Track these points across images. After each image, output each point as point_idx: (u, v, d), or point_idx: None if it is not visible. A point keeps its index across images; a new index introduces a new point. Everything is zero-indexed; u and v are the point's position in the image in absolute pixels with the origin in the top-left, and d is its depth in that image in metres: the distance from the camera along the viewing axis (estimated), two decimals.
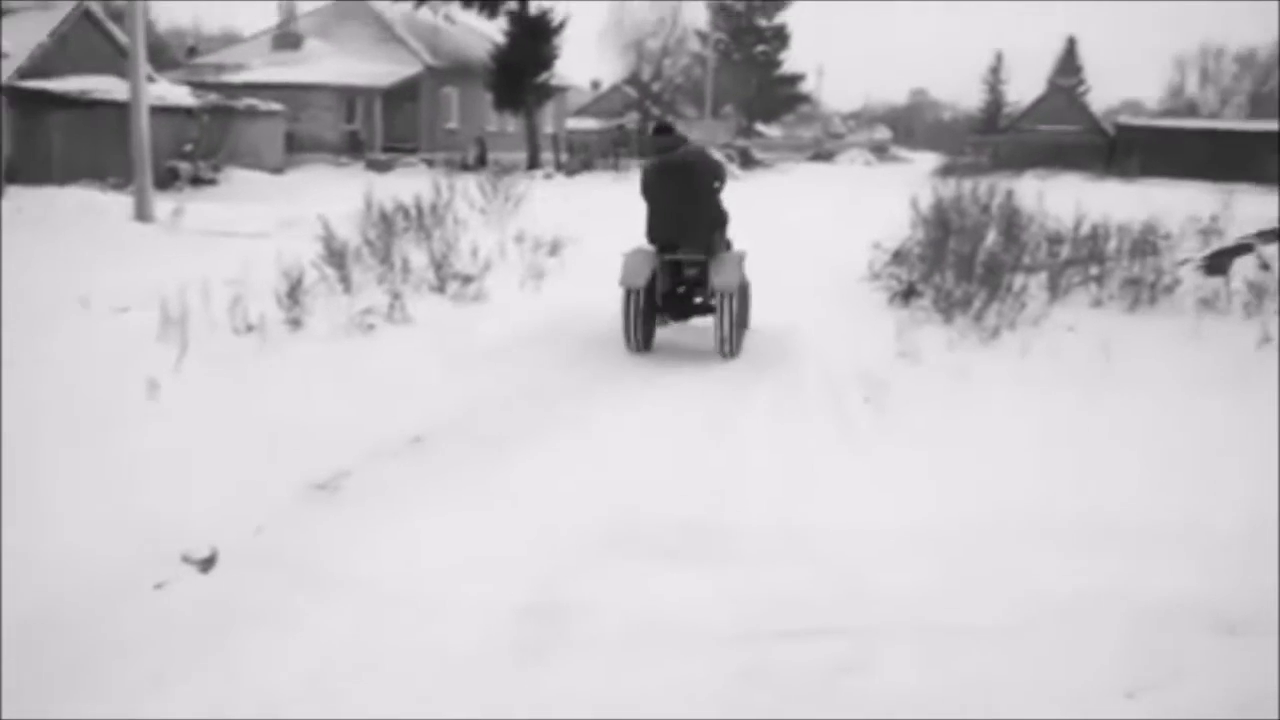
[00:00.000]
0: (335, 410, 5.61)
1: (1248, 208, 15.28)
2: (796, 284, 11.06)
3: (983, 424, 5.72)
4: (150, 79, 20.36)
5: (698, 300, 7.83)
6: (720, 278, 7.34)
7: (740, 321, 7.55)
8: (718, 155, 8.87)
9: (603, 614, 3.51)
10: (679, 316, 7.93)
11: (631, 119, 54.03)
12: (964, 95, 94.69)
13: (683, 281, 7.77)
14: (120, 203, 15.52)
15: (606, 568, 3.86)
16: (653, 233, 7.70)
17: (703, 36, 55.10)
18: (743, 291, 7.60)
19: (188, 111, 23.11)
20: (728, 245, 7.86)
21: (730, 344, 7.41)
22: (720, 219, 7.77)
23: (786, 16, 67.09)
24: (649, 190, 7.74)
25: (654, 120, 9.35)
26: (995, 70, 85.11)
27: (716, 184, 7.76)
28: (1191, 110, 72.18)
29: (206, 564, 3.82)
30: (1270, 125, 51.06)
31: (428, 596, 3.60)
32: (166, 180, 20.92)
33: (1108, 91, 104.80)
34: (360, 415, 5.57)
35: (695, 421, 5.79)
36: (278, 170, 26.41)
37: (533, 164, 36.66)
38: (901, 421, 5.81)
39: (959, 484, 4.77)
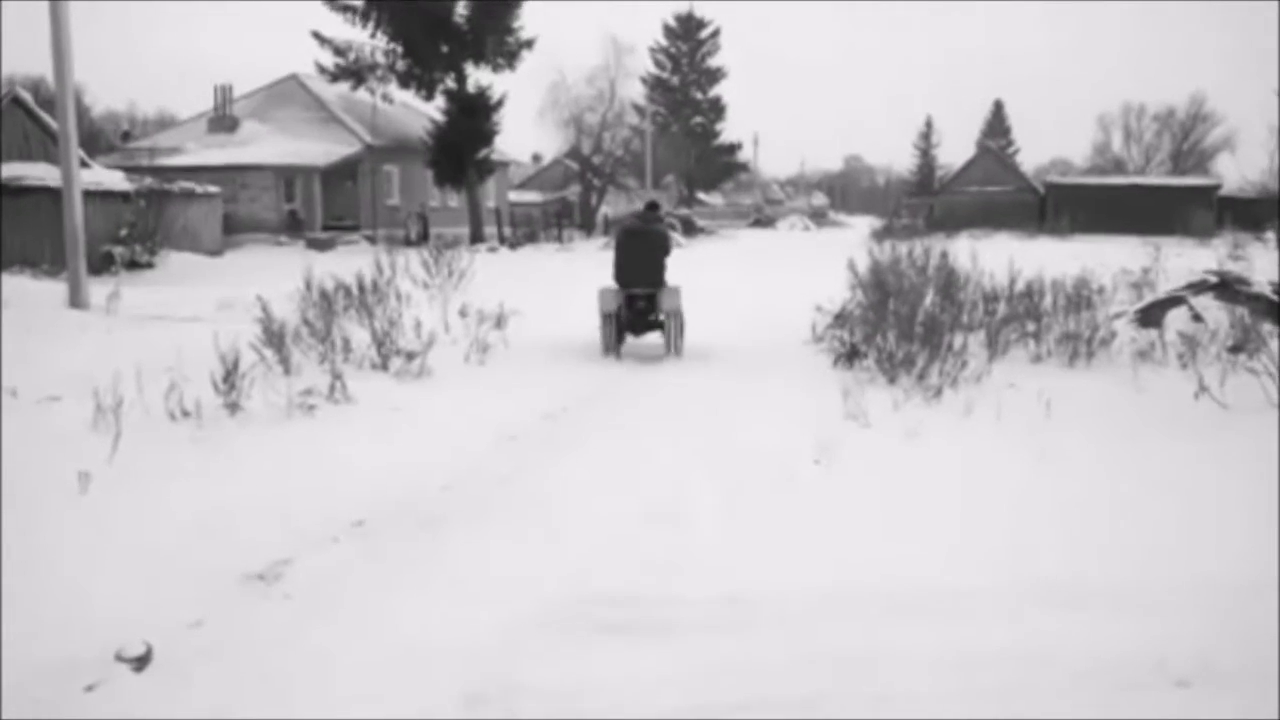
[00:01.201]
0: (275, 495, 5.46)
1: (1176, 260, 15.73)
2: (744, 347, 11.15)
3: (932, 485, 5.72)
4: (84, 164, 20.17)
5: (650, 318, 10.96)
6: (668, 303, 10.83)
7: (680, 331, 10.92)
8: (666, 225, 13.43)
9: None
10: (637, 333, 11.04)
11: (573, 191, 54.54)
12: (897, 159, 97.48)
13: (634, 309, 10.80)
14: (53, 290, 15.22)
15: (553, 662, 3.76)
16: (619, 272, 10.94)
17: (640, 110, 55.98)
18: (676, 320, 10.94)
19: (123, 196, 22.88)
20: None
21: (674, 347, 10.87)
22: (664, 267, 11.03)
23: (721, 89, 68.79)
24: (620, 243, 11.23)
25: (647, 200, 13.55)
26: (926, 134, 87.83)
27: (666, 246, 11.21)
28: (1118, 167, 74.69)
29: (141, 662, 3.65)
30: (1193, 180, 53.00)
31: (370, 689, 3.47)
32: (101, 265, 20.61)
33: (1037, 151, 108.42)
34: (301, 499, 5.42)
35: (635, 502, 5.71)
36: (216, 252, 26.17)
37: (476, 238, 36.74)
38: (853, 483, 5.79)
39: (910, 544, 4.74)
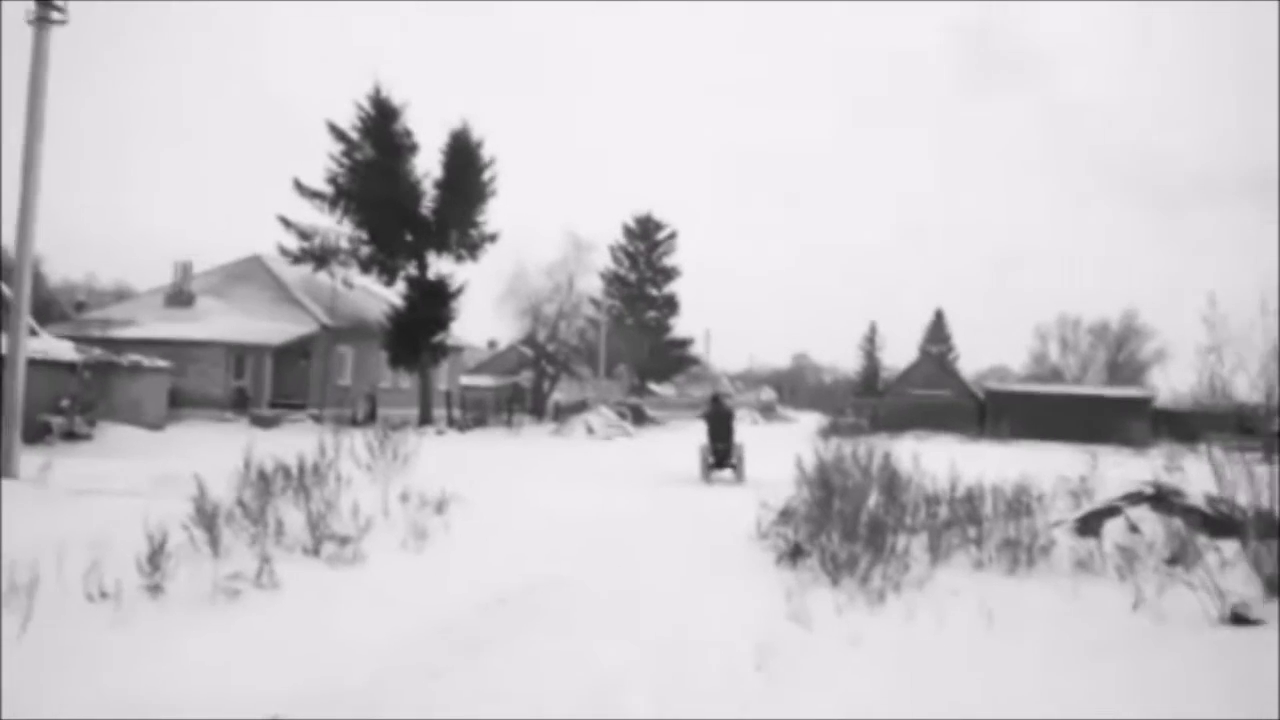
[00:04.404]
0: (188, 686, 5.20)
1: (1114, 469, 16.01)
2: (689, 543, 11.04)
3: (873, 697, 5.60)
4: (33, 332, 20.06)
5: (727, 462, 19.77)
6: (736, 454, 19.75)
7: (742, 468, 19.53)
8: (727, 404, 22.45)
9: None
10: (720, 468, 19.69)
11: (526, 376, 55.05)
12: (843, 359, 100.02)
13: (719, 453, 19.78)
14: None
15: None
16: (710, 435, 19.91)
17: (597, 304, 57.33)
18: (741, 457, 19.73)
19: (69, 366, 22.65)
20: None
21: (740, 476, 19.18)
22: (734, 430, 20.38)
23: (675, 286, 70.94)
24: (708, 419, 20.41)
25: (717, 394, 24.88)
26: (870, 338, 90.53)
27: (733, 417, 21.27)
28: (1056, 375, 77.00)
29: None
30: (1128, 391, 54.72)
31: None
32: (38, 435, 20.19)
33: (977, 357, 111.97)
34: (215, 690, 5.17)
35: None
36: (157, 426, 25.76)
37: (425, 420, 36.70)
38: (794, 692, 5.65)
39: None
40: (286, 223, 36.60)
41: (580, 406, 48.07)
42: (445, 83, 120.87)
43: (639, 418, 50.41)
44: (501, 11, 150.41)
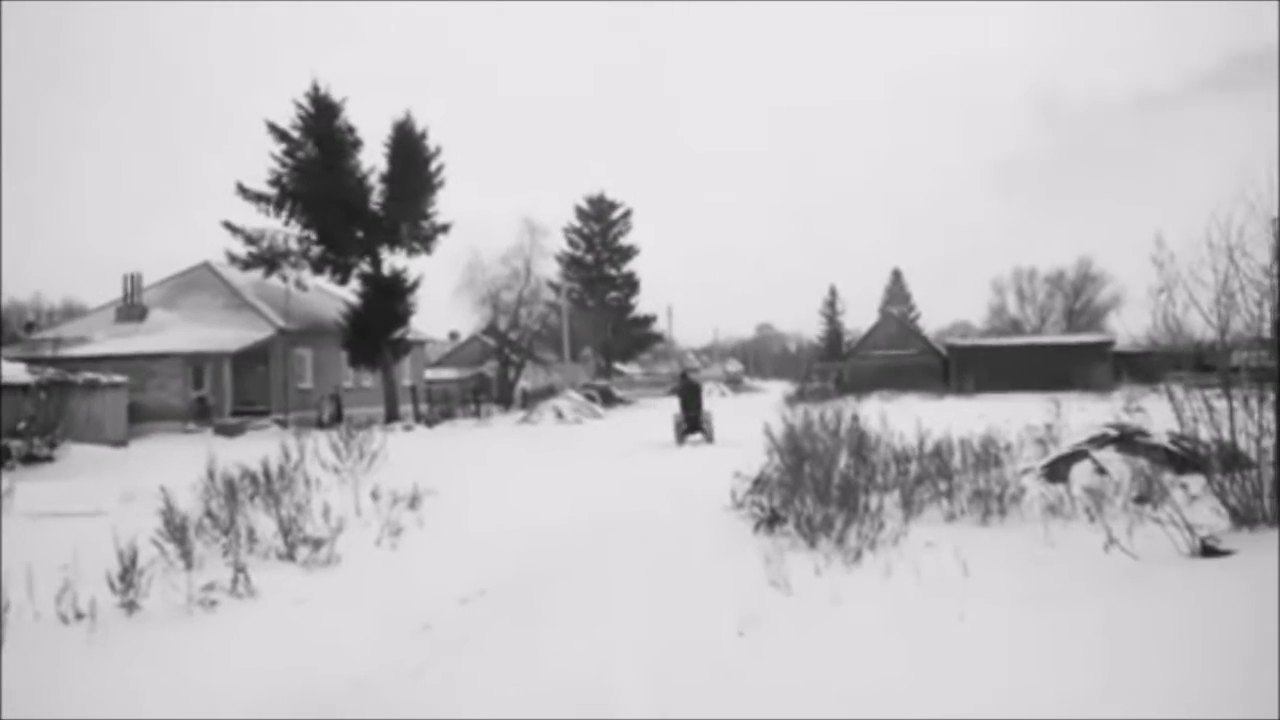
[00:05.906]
0: (167, 705, 5.13)
1: (1079, 414, 16.24)
2: (665, 517, 11.05)
3: (858, 656, 5.64)
4: None
5: (697, 427, 23.41)
6: (705, 420, 23.67)
7: (710, 430, 23.37)
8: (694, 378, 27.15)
9: None
10: (692, 433, 23.32)
11: (491, 367, 54.86)
12: (806, 326, 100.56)
13: (690, 420, 23.54)
14: None
15: None
16: (682, 404, 23.98)
17: (556, 288, 57.17)
18: (709, 422, 23.62)
19: (23, 388, 22.23)
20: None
21: (709, 438, 22.99)
22: (702, 400, 24.60)
23: (634, 265, 70.92)
24: (680, 393, 24.78)
25: (686, 370, 29.60)
26: (831, 302, 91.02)
27: (703, 390, 26.34)
28: (1015, 327, 77.90)
29: None
30: (1088, 337, 55.41)
31: None
32: None
33: (938, 314, 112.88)
34: (199, 704, 5.11)
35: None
36: (120, 442, 25.38)
37: (391, 417, 36.43)
38: (778, 656, 5.67)
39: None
40: (232, 228, 35.93)
41: (548, 392, 48.02)
42: (387, 78, 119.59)
43: (608, 399, 50.44)
44: (439, 8, 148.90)
